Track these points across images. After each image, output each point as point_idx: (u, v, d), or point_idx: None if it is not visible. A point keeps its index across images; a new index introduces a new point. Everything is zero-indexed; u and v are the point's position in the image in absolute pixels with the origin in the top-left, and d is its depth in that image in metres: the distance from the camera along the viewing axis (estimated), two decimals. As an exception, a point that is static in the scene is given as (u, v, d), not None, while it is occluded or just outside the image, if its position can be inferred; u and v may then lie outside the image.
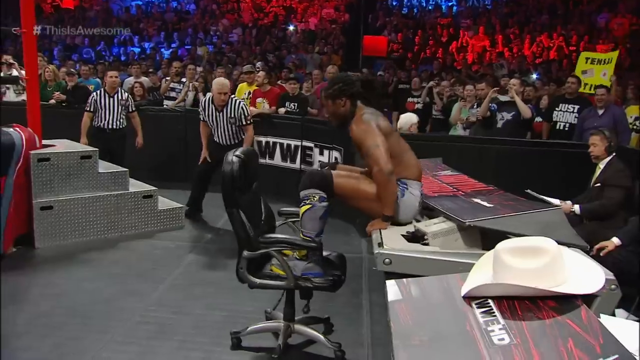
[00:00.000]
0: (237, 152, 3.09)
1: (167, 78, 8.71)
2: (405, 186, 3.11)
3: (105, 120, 6.50)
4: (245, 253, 3.02)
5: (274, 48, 13.75)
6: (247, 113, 5.86)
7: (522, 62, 11.26)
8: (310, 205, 3.06)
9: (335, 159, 6.15)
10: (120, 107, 6.53)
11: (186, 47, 14.53)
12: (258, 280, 3.08)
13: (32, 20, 5.22)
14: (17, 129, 4.99)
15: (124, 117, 6.60)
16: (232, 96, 5.92)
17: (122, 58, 14.33)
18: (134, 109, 6.75)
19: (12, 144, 4.78)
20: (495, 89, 6.62)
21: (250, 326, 3.39)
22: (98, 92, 6.63)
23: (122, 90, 6.83)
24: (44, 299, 4.05)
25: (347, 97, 3.23)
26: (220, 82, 5.85)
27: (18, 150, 4.83)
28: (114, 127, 6.53)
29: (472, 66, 11.81)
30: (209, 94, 6.19)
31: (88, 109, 6.53)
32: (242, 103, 5.90)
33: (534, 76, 10.13)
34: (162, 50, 14.55)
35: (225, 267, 4.47)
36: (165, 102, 8.35)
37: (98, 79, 9.72)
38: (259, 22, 15.77)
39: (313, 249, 3.06)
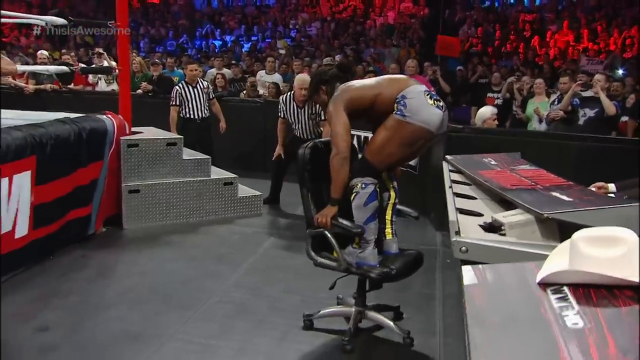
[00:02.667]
0: (318, 140, 3.37)
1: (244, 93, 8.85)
2: (402, 100, 3.05)
3: (193, 110, 6.68)
4: (308, 231, 3.25)
5: (353, 42, 13.81)
6: None
7: (613, 58, 10.84)
8: (354, 194, 3.15)
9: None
10: (204, 96, 6.73)
11: (266, 40, 14.81)
12: (319, 259, 3.24)
13: (125, 14, 5.50)
14: (110, 116, 5.28)
15: (208, 105, 6.80)
16: None
17: (203, 50, 14.77)
18: (213, 96, 6.94)
19: (105, 130, 5.07)
20: (578, 82, 6.46)
21: (322, 310, 3.51)
22: (180, 85, 6.81)
23: (201, 80, 7.02)
24: (130, 275, 4.31)
25: (324, 85, 3.36)
26: (301, 78, 5.99)
27: (110, 136, 5.12)
28: (203, 115, 6.74)
29: (555, 61, 11.48)
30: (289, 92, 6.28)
31: (174, 102, 6.69)
32: None
33: (620, 71, 9.77)
34: (242, 43, 14.89)
35: (301, 253, 4.53)
36: None
37: (181, 71, 10.12)
38: (337, 16, 15.87)
39: (356, 234, 3.14)
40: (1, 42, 13.22)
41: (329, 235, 3.11)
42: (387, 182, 3.31)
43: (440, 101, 3.13)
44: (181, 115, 6.72)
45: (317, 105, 5.78)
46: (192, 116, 6.70)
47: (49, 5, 18.09)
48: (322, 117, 5.85)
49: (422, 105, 3.04)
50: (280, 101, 6.12)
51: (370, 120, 3.33)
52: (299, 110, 5.90)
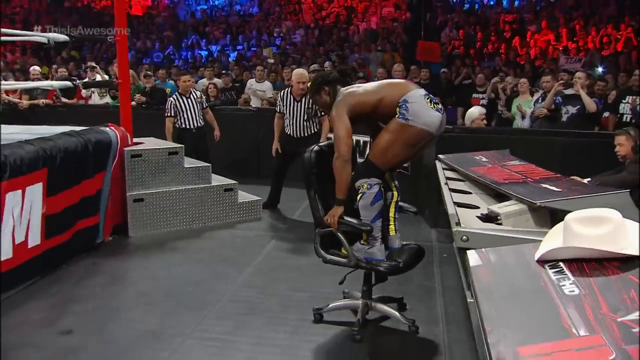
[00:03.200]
0: (322, 144, 3.55)
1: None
2: (404, 104, 3.26)
3: (188, 120, 6.81)
4: (317, 230, 3.44)
5: (338, 47, 14.04)
6: None
7: (592, 56, 11.18)
8: (361, 195, 3.36)
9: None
10: (198, 106, 6.88)
11: (252, 48, 15.00)
12: (328, 256, 3.45)
13: (124, 28, 5.68)
14: (112, 127, 5.46)
15: (202, 115, 6.94)
16: None
17: (189, 61, 14.94)
18: (206, 105, 7.10)
19: (109, 141, 5.25)
20: (560, 82, 6.73)
21: (331, 303, 3.71)
22: (174, 96, 6.94)
23: (194, 90, 7.17)
24: (141, 280, 4.49)
25: (326, 86, 3.55)
26: (299, 72, 6.26)
27: (114, 147, 5.29)
28: (198, 125, 6.87)
29: (536, 61, 11.79)
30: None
31: (168, 114, 6.83)
32: None
33: (600, 69, 10.08)
34: (229, 52, 15.08)
35: (304, 254, 4.78)
36: None
37: (172, 82, 10.31)
38: (320, 23, 16.12)
39: (365, 231, 3.37)
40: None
41: (338, 233, 3.32)
42: (389, 181, 3.53)
43: (438, 104, 3.37)
44: (177, 125, 6.86)
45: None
46: (187, 126, 6.84)
47: (32, 20, 18.17)
48: (320, 113, 6.06)
49: (423, 108, 3.27)
50: (278, 97, 6.39)
51: (370, 124, 3.56)
52: (296, 103, 6.12)
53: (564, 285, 1.70)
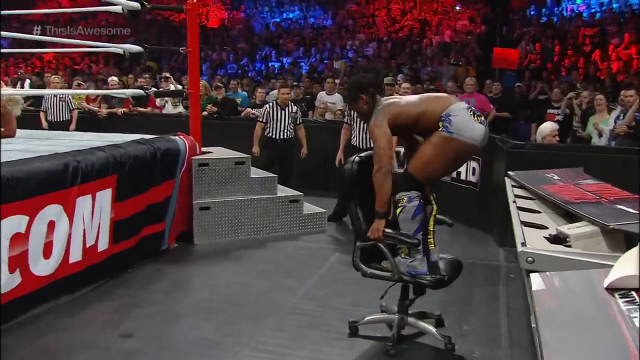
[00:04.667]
0: (363, 155, 3.51)
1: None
2: (447, 117, 3.21)
3: (276, 130, 6.97)
4: (358, 243, 3.37)
5: (410, 61, 13.93)
6: None
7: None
8: (401, 208, 3.30)
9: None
10: (290, 119, 7.01)
11: (324, 61, 15.08)
12: (369, 270, 3.38)
13: (196, 40, 5.81)
14: (182, 136, 5.57)
15: (292, 128, 7.05)
16: None
17: (263, 72, 15.17)
18: (301, 121, 7.22)
19: (178, 150, 5.36)
20: (642, 97, 6.40)
21: (367, 317, 3.66)
22: (270, 104, 7.14)
23: (292, 104, 7.29)
24: (203, 287, 4.54)
25: (363, 94, 3.44)
26: None
27: (182, 156, 5.40)
28: (284, 137, 7.00)
29: (617, 75, 11.28)
30: None
31: (261, 120, 7.04)
32: None
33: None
34: (302, 64, 15.22)
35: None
36: None
37: (244, 92, 10.48)
38: (393, 36, 16.04)
39: (412, 245, 3.29)
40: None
41: (382, 247, 3.26)
42: (429, 194, 3.44)
43: (481, 116, 3.33)
44: (266, 133, 7.04)
45: None
46: (273, 135, 7.00)
47: (116, 33, 18.93)
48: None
49: (467, 121, 3.23)
50: (346, 108, 6.39)
51: (406, 137, 3.54)
52: None
53: (635, 316, 1.57)
